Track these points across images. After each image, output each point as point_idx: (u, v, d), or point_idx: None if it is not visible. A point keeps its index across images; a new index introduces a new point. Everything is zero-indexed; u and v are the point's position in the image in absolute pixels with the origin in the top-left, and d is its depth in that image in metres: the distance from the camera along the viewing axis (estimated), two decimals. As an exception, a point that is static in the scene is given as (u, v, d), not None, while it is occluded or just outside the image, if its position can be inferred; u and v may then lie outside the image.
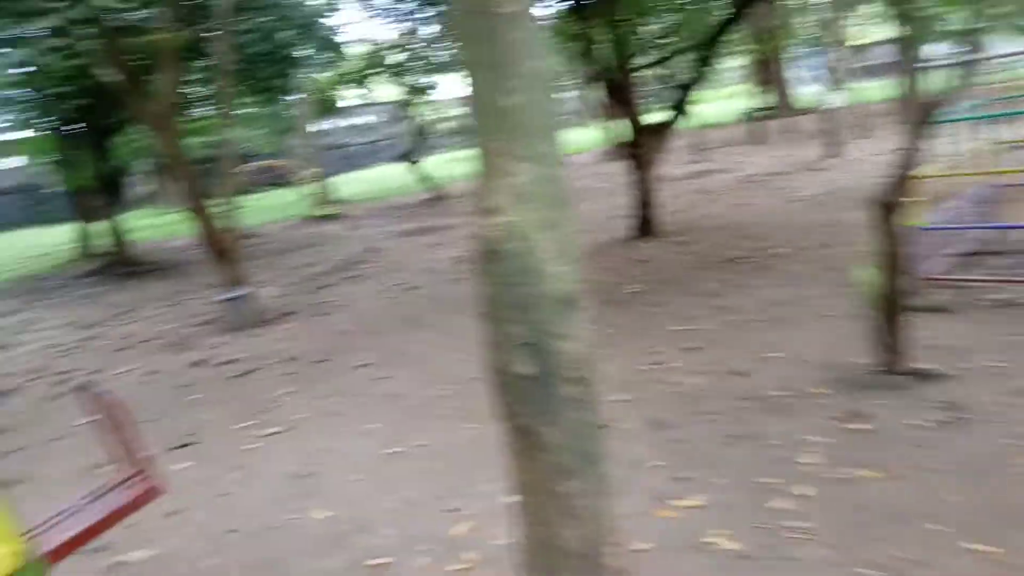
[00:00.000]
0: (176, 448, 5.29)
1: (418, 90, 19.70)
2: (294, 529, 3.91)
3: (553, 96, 2.25)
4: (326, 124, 28.64)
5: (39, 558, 2.80)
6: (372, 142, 40.67)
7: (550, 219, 2.18)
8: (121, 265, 14.66)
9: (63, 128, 14.66)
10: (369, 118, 39.65)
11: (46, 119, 14.47)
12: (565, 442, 2.27)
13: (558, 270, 2.20)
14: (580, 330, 2.26)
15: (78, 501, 3.22)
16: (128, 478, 3.32)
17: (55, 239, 22.52)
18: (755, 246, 8.69)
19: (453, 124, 24.15)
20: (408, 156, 20.11)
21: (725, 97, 33.08)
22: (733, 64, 27.80)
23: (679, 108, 10.12)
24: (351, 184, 25.84)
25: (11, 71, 12.04)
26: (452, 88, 21.45)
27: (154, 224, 23.31)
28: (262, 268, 12.17)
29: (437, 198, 19.24)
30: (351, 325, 8.15)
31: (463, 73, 2.25)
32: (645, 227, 10.30)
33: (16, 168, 31.41)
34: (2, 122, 15.72)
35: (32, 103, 13.82)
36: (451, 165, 23.61)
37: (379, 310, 8.70)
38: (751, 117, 23.29)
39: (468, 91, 2.25)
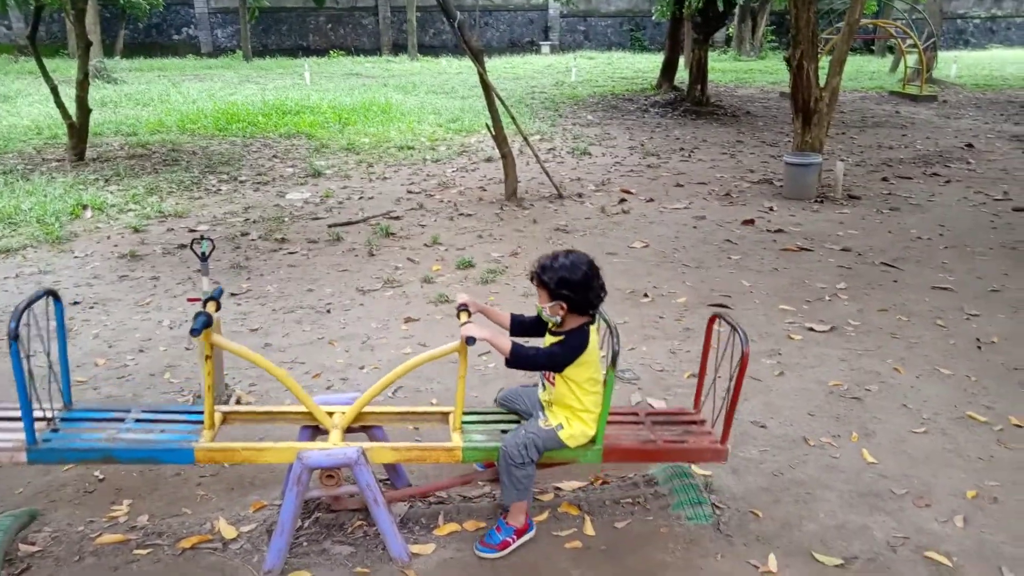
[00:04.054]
0: (711, 305, 5.01)
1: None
2: (827, 458, 3.26)
3: None
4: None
5: (599, 450, 2.71)
6: (996, 17, 33.39)
7: None
8: (690, 103, 14.92)
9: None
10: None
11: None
12: None
13: None
14: None
15: (643, 415, 3.00)
16: (696, 421, 2.98)
17: (643, 65, 24.32)
18: None
19: None
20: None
21: None
22: None
23: None
24: (958, 64, 21.64)
25: None
26: None
27: (726, 69, 23.32)
28: (832, 139, 10.97)
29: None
30: (927, 232, 6.72)
31: None
32: None
33: (625, -6, 34.32)
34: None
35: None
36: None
37: (969, 224, 6.99)
38: None
39: None
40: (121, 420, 2.67)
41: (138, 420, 2.68)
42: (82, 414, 2.69)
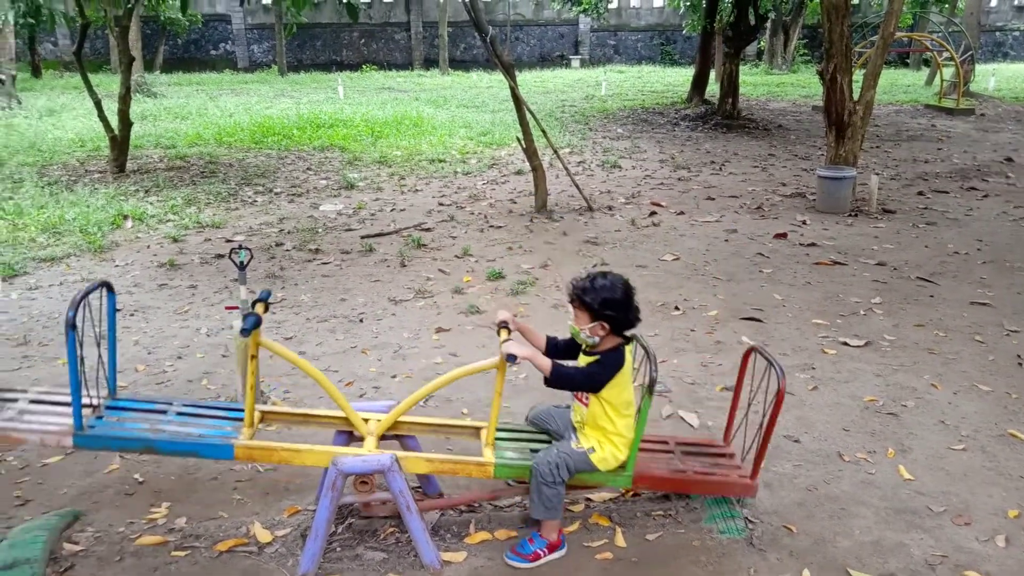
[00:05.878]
0: (743, 319, 4.98)
1: None
2: (862, 473, 3.22)
3: None
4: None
5: (630, 476, 2.72)
6: (1035, 30, 32.76)
7: None
8: (721, 116, 14.86)
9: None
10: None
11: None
12: None
13: None
14: None
15: (672, 443, 3.01)
16: (725, 454, 2.97)
17: (673, 79, 24.29)
18: None
19: None
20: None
21: None
22: None
23: None
24: (996, 77, 21.27)
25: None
26: None
27: (758, 82, 23.19)
28: (866, 153, 10.85)
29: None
30: (965, 247, 6.60)
31: None
32: None
33: (655, 8, 34.38)
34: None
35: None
36: None
37: (1008, 239, 6.85)
38: None
39: None
40: (163, 412, 2.73)
41: (179, 413, 2.74)
42: (126, 403, 2.76)
